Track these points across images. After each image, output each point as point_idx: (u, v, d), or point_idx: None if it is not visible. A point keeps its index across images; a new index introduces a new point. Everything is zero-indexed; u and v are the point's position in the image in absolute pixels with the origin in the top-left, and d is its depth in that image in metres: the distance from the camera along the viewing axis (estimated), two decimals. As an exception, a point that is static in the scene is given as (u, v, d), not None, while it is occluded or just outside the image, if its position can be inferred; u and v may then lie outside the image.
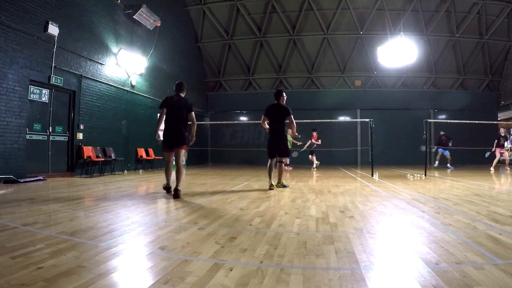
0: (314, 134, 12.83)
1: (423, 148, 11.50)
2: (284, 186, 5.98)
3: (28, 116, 7.60)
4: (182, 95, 5.19)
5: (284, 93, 6.17)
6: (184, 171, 5.61)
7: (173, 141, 4.98)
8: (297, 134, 6.28)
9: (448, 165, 12.57)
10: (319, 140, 12.79)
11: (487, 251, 2.16)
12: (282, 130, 6.02)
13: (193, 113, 5.11)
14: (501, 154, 11.70)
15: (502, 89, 17.28)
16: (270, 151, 5.98)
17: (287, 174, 10.09)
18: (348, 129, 17.36)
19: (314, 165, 12.62)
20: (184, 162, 14.70)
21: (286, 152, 6.12)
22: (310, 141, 12.76)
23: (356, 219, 3.27)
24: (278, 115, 5.97)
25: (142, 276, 1.78)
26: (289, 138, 11.88)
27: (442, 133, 13.09)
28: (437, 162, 13.04)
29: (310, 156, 12.88)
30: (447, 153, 12.68)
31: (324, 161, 16.56)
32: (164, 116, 5.01)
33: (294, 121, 6.03)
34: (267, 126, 6.06)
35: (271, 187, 5.76)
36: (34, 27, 7.60)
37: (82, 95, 9.10)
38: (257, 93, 17.85)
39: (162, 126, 5.10)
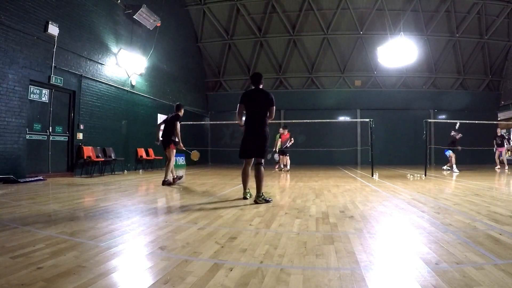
0: (286, 132, 11.46)
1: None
2: (267, 201, 4.32)
3: (28, 116, 7.60)
4: (178, 113, 6.86)
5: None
6: (172, 166, 6.78)
7: (164, 143, 6.82)
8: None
9: (450, 167, 11.35)
10: (292, 139, 11.52)
11: (487, 251, 2.16)
12: (262, 123, 4.52)
13: (175, 122, 6.69)
14: (500, 152, 12.25)
15: (502, 89, 17.30)
16: (244, 150, 4.54)
17: (287, 175, 10.07)
18: (348, 129, 17.38)
19: (288, 167, 11.51)
20: (184, 162, 14.71)
21: (264, 152, 4.55)
22: (279, 140, 11.43)
23: (356, 219, 3.27)
24: (258, 103, 4.53)
25: (142, 276, 1.78)
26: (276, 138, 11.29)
27: (453, 133, 11.58)
28: (454, 167, 11.10)
29: (281, 156, 11.54)
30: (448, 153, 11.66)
31: (324, 161, 16.61)
32: (161, 126, 7.10)
33: (273, 115, 4.64)
34: (243, 123, 4.65)
35: (245, 197, 4.60)
36: (34, 27, 7.60)
37: (82, 95, 9.10)
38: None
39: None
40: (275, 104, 4.58)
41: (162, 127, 7.02)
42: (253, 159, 4.56)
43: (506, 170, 11.23)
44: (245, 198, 4.58)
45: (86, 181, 7.61)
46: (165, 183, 6.54)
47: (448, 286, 1.60)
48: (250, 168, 4.60)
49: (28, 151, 7.58)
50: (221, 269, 1.85)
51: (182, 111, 6.93)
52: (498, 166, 12.27)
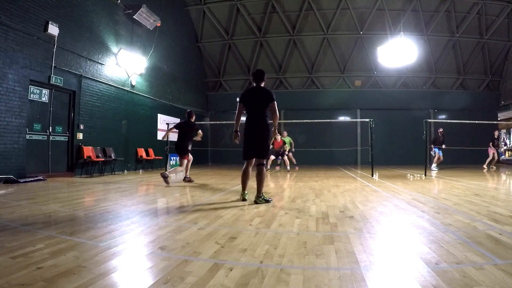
0: (279, 138, 11.18)
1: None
2: (267, 201, 4.29)
3: (28, 116, 7.60)
4: (192, 120, 7.22)
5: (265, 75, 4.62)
6: (179, 170, 7.16)
7: (182, 151, 7.09)
8: (277, 133, 4.50)
9: (435, 165, 11.92)
10: (285, 148, 11.28)
11: (487, 251, 2.16)
12: (262, 121, 4.38)
13: (199, 131, 7.26)
14: (493, 154, 12.56)
15: (502, 89, 17.29)
16: (246, 150, 4.44)
17: (293, 174, 10.07)
18: (348, 129, 17.37)
19: (288, 167, 11.27)
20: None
21: (265, 152, 4.44)
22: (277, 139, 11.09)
23: (356, 219, 3.27)
24: (258, 101, 4.40)
25: (142, 276, 1.78)
26: (287, 140, 11.32)
27: (440, 130, 12.30)
28: (434, 165, 12.01)
29: (286, 157, 11.28)
30: (441, 153, 12.04)
31: (324, 161, 16.62)
32: (172, 130, 7.64)
33: (277, 111, 4.41)
34: (238, 128, 4.55)
35: (243, 198, 4.46)
36: (34, 27, 7.60)
37: (82, 95, 9.10)
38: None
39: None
40: (276, 101, 4.39)
41: (174, 130, 7.37)
42: (254, 160, 4.46)
43: (493, 168, 11.85)
44: (243, 199, 4.44)
45: (86, 181, 7.61)
46: (186, 179, 7.11)
47: (448, 286, 1.60)
48: (251, 169, 4.50)
49: (28, 151, 7.58)
50: (221, 269, 1.85)
51: (194, 117, 7.32)
52: (486, 168, 12.11)
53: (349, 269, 1.87)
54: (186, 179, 7.13)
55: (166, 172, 6.60)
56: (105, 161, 9.72)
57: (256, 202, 4.25)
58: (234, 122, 4.56)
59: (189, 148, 7.18)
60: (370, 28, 16.38)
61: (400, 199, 4.62)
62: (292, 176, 9.17)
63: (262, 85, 4.53)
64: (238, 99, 4.61)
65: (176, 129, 7.28)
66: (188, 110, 7.42)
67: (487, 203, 4.24)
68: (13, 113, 7.14)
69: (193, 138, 7.33)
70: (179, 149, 7.08)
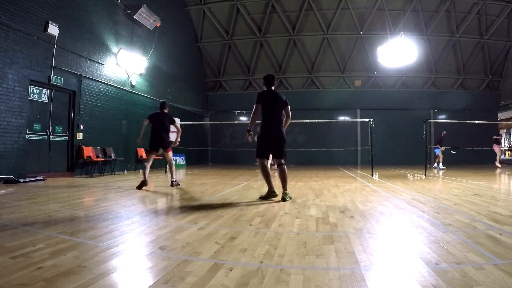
0: None
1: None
2: (290, 198, 4.58)
3: (28, 116, 7.60)
4: (166, 111, 6.38)
5: None
6: (173, 166, 6.49)
7: (159, 146, 6.23)
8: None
9: (439, 165, 12.42)
10: None
11: (487, 251, 2.16)
12: (279, 123, 4.61)
13: (175, 124, 6.39)
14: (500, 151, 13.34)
15: (502, 89, 17.30)
16: (263, 149, 4.57)
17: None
18: (348, 129, 17.38)
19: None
20: (184, 162, 14.71)
21: (283, 152, 4.63)
22: None
23: (356, 219, 3.27)
24: (275, 103, 4.60)
25: (142, 276, 1.78)
26: None
27: (444, 132, 12.78)
28: (441, 165, 12.45)
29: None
30: (438, 152, 12.61)
31: (324, 161, 16.62)
32: (145, 124, 6.31)
33: (290, 114, 4.76)
34: (253, 127, 4.60)
35: (273, 194, 4.60)
36: (34, 27, 7.60)
37: (82, 95, 9.10)
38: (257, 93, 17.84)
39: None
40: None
41: (146, 124, 6.34)
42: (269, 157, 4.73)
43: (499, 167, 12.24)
44: (274, 195, 4.56)
45: (86, 181, 7.61)
46: (173, 184, 6.22)
47: (448, 286, 1.60)
48: (268, 165, 4.66)
49: (28, 151, 7.58)
50: (221, 269, 1.85)
51: (167, 108, 6.50)
52: (499, 165, 12.89)
53: (349, 269, 1.87)
54: (173, 183, 6.29)
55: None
56: (105, 161, 9.72)
57: (284, 199, 4.45)
58: (251, 122, 4.62)
59: (171, 140, 6.39)
60: (370, 28, 16.38)
61: (400, 199, 4.61)
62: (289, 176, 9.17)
63: (273, 88, 4.77)
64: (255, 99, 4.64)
65: (150, 121, 6.30)
66: (162, 101, 6.63)
67: (487, 203, 4.24)
68: (13, 113, 7.14)
69: (171, 140, 6.50)
70: (159, 142, 6.19)
